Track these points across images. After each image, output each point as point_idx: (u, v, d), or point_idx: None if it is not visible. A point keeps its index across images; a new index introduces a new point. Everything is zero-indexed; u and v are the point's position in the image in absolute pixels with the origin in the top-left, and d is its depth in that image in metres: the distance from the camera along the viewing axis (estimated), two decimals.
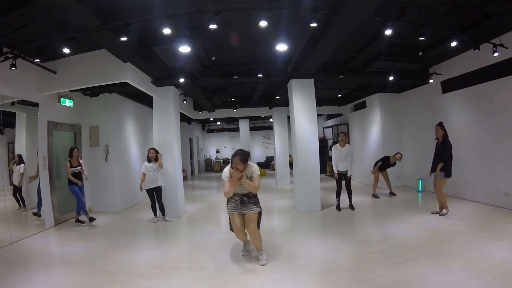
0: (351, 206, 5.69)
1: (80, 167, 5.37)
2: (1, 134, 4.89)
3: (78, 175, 5.32)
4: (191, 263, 3.52)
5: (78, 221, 5.38)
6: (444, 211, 4.75)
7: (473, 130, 5.65)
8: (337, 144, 5.71)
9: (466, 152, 5.76)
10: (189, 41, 4.04)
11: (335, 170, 5.68)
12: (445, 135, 4.71)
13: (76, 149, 5.39)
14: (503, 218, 4.44)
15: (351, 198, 5.75)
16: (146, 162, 5.47)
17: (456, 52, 5.55)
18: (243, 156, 3.14)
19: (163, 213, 5.52)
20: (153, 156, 5.44)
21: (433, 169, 4.79)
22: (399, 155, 6.60)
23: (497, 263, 2.89)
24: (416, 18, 3.95)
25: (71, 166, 5.23)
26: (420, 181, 7.06)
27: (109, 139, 6.51)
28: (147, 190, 5.42)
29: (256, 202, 3.40)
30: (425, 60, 5.92)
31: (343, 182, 5.70)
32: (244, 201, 3.37)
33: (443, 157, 4.61)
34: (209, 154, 17.95)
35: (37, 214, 5.14)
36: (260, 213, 3.44)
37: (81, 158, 5.61)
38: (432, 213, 4.91)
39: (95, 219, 5.34)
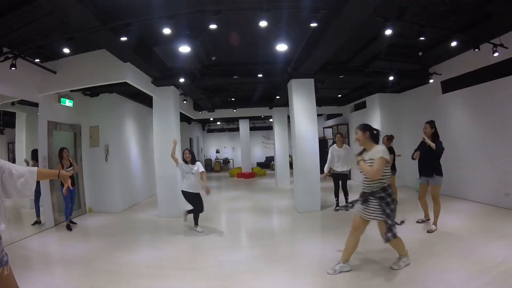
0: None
1: (71, 168, 5.09)
2: (1, 134, 4.88)
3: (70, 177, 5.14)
4: (191, 263, 3.52)
5: (70, 222, 5.19)
6: (433, 227, 4.07)
7: (473, 130, 5.65)
8: (335, 145, 5.69)
9: (466, 152, 5.76)
10: (189, 41, 4.04)
11: (325, 170, 5.65)
12: (435, 135, 4.11)
13: (65, 149, 5.10)
14: (503, 218, 4.44)
15: (347, 199, 5.65)
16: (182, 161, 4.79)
17: (456, 52, 5.55)
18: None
19: (196, 222, 4.83)
20: (189, 158, 4.69)
21: (425, 174, 4.20)
22: (384, 139, 5.61)
23: (497, 263, 2.89)
24: (416, 18, 3.95)
25: (62, 168, 4.92)
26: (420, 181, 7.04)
27: (109, 139, 6.51)
28: (183, 191, 4.72)
29: (387, 204, 2.64)
30: (425, 60, 5.92)
31: (340, 183, 5.68)
32: (368, 199, 2.76)
33: (438, 159, 4.04)
34: (209, 154, 17.94)
35: (38, 222, 4.99)
36: (388, 224, 2.64)
37: (75, 158, 5.43)
38: (418, 222, 4.44)
39: (71, 230, 5.02)
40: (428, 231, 4.05)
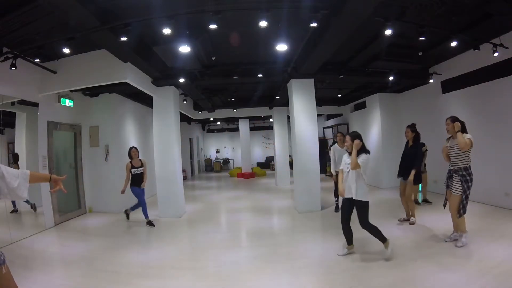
0: None
1: (142, 168, 5.17)
2: (1, 134, 4.88)
3: (139, 177, 5.12)
4: (191, 263, 3.52)
5: (148, 223, 5.19)
6: (412, 219, 4.48)
7: (473, 130, 5.57)
8: (336, 144, 5.63)
9: None
10: (189, 41, 4.04)
11: (332, 172, 5.58)
12: (416, 138, 4.50)
13: (134, 148, 5.23)
14: (503, 218, 4.44)
15: None
16: (346, 155, 3.48)
17: (456, 52, 5.55)
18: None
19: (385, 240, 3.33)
20: (350, 145, 3.29)
21: (402, 174, 4.56)
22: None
23: (497, 263, 2.89)
24: (416, 18, 3.95)
25: (132, 167, 5.09)
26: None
27: (109, 139, 6.51)
28: (344, 199, 3.42)
29: (466, 181, 3.32)
30: (425, 60, 5.92)
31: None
32: (452, 176, 3.46)
33: (417, 162, 4.33)
34: (209, 154, 17.95)
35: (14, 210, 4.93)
36: (463, 197, 3.34)
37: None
38: (400, 220, 4.64)
39: (153, 225, 5.16)
40: (410, 223, 4.43)
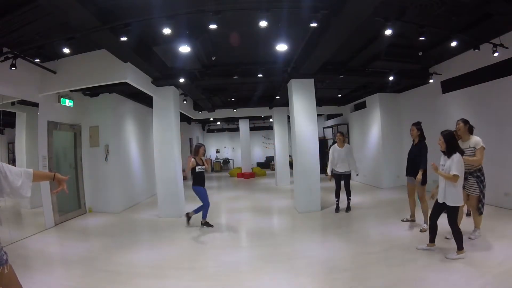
0: (348, 208, 5.58)
1: (204, 166, 4.99)
2: (1, 134, 4.88)
3: (203, 175, 4.95)
4: (191, 263, 3.52)
5: (205, 224, 5.04)
6: (425, 225, 4.08)
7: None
8: (336, 145, 5.63)
9: None
10: (189, 41, 4.04)
11: (328, 171, 5.57)
12: (421, 136, 4.29)
13: (203, 146, 5.01)
14: (503, 218, 4.44)
15: (350, 200, 5.62)
16: (442, 157, 3.27)
17: (456, 52, 5.55)
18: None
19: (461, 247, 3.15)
20: (442, 143, 3.17)
21: (408, 173, 4.36)
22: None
23: (497, 263, 2.89)
24: (416, 18, 3.96)
25: (197, 164, 4.86)
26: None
27: (109, 139, 6.51)
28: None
29: (481, 181, 3.44)
30: (425, 60, 5.92)
31: (342, 183, 5.60)
32: (467, 178, 3.46)
33: (423, 161, 4.04)
34: (209, 154, 17.94)
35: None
36: (480, 196, 3.47)
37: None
38: (403, 220, 4.56)
39: (211, 225, 5.02)
40: (420, 231, 4.11)
